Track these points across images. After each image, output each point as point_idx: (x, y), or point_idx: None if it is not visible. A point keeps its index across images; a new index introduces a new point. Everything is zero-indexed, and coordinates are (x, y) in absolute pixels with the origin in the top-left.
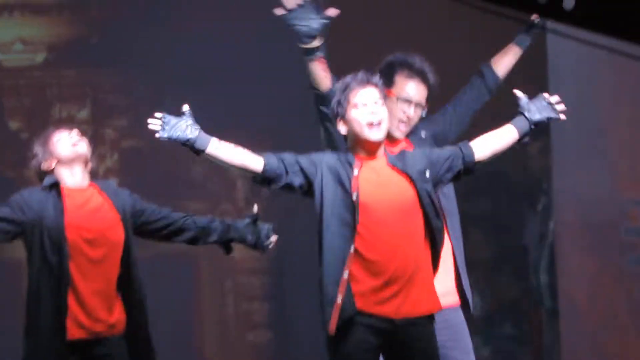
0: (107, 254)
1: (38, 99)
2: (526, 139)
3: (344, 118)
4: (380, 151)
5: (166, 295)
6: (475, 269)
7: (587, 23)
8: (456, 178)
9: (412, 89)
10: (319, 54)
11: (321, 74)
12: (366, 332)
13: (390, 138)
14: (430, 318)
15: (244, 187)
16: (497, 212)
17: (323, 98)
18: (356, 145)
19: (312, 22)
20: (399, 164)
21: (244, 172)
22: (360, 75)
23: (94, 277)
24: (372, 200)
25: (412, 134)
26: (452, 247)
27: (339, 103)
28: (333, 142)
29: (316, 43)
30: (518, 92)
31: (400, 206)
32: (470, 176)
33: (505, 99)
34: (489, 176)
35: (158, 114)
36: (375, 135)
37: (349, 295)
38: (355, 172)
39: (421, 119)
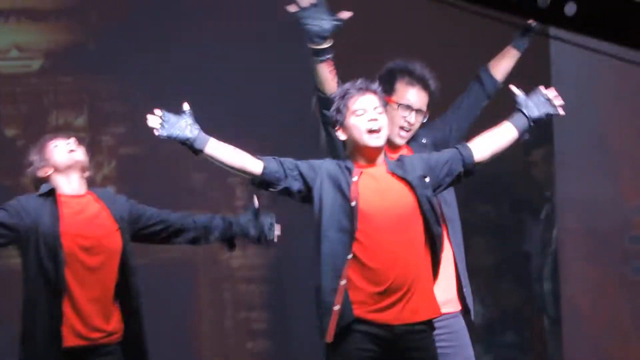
0: (104, 262)
1: (34, 106)
2: (525, 136)
3: (343, 125)
4: (380, 158)
5: (165, 304)
6: (478, 276)
7: (589, 29)
8: (456, 181)
9: (413, 96)
10: (328, 56)
11: (328, 76)
12: (364, 339)
13: (391, 145)
14: (429, 326)
15: (243, 195)
16: (499, 220)
17: (327, 101)
18: (355, 152)
19: (324, 22)
20: (399, 171)
21: (243, 174)
22: (359, 82)
23: (91, 285)
24: (372, 207)
25: (412, 141)
26: (453, 254)
27: (338, 110)
28: (334, 147)
29: (326, 44)
30: (514, 89)
31: (400, 213)
32: (471, 178)
33: (506, 101)
34: (492, 183)
35: (158, 112)
36: (375, 142)
37: (346, 303)
38: (355, 178)
39: (422, 126)
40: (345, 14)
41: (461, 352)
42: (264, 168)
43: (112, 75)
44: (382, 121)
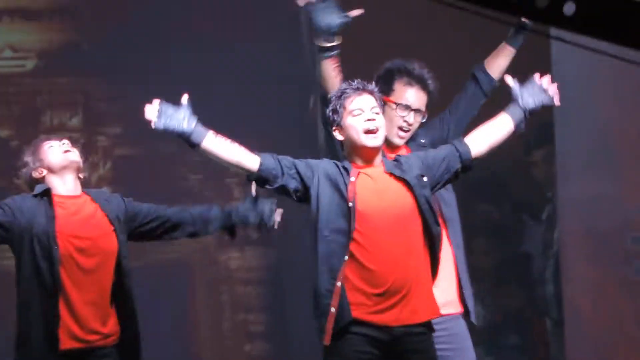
0: (100, 263)
1: (28, 106)
2: (522, 127)
3: (340, 125)
4: (378, 159)
5: (162, 306)
6: (479, 278)
7: (588, 29)
8: (454, 177)
9: (412, 96)
10: (333, 52)
11: (331, 73)
12: (362, 341)
13: (389, 145)
14: (428, 328)
15: (241, 196)
16: (500, 220)
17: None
18: (353, 152)
19: (333, 18)
20: (396, 171)
21: (239, 169)
22: (356, 82)
23: (87, 287)
24: (370, 208)
25: (411, 141)
26: (453, 255)
27: (335, 110)
28: (333, 147)
29: (332, 41)
30: (509, 80)
31: (398, 213)
32: (469, 173)
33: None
34: (493, 184)
35: (155, 102)
36: (372, 142)
37: (343, 304)
38: (352, 179)
39: (420, 126)
40: (355, 12)
41: (462, 354)
42: (261, 164)
43: (107, 75)
44: (380, 121)
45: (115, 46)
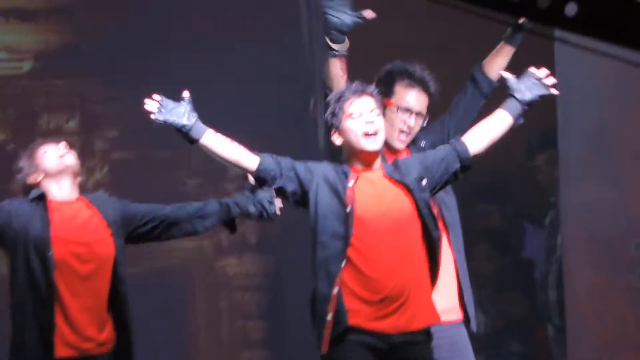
0: (96, 269)
1: (24, 109)
2: (520, 121)
3: (338, 129)
4: (377, 162)
5: (159, 313)
6: (481, 284)
7: (590, 30)
8: (454, 178)
9: (413, 98)
10: (342, 51)
11: (338, 72)
12: (360, 350)
13: (390, 149)
14: (427, 336)
15: None
16: (503, 226)
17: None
18: (352, 156)
19: (346, 16)
20: (395, 174)
21: (238, 168)
22: (355, 84)
23: (83, 293)
24: (368, 212)
25: (411, 144)
26: (454, 261)
27: (334, 114)
28: (334, 149)
29: (343, 39)
30: (504, 73)
31: (398, 218)
32: (469, 172)
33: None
34: (495, 188)
35: (156, 96)
36: (372, 145)
37: (340, 311)
38: (351, 183)
39: (421, 129)
40: (369, 13)
41: None
42: (260, 164)
43: (104, 78)
44: (379, 124)
45: (113, 48)
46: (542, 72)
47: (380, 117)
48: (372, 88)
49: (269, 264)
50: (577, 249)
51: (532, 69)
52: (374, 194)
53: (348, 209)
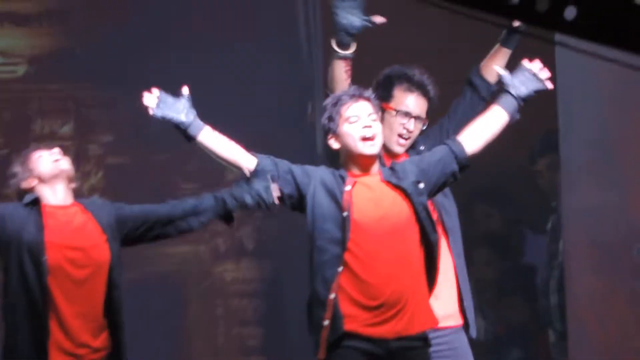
0: (91, 275)
1: (18, 113)
2: (517, 117)
3: (335, 133)
4: (375, 167)
5: (154, 320)
6: (482, 290)
7: (590, 34)
8: (452, 179)
9: (412, 102)
10: (348, 54)
11: (341, 75)
12: (357, 355)
13: (389, 153)
14: (425, 342)
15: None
16: (504, 231)
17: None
18: (349, 161)
19: (355, 19)
20: (393, 179)
21: (235, 168)
22: (352, 89)
23: (78, 299)
24: (366, 217)
25: (410, 148)
26: (454, 266)
27: (331, 118)
28: (333, 154)
29: (350, 41)
30: (498, 69)
31: (395, 222)
32: (467, 171)
33: None
34: (496, 192)
35: (155, 91)
36: (369, 149)
37: (337, 317)
38: (348, 187)
39: (420, 133)
40: (379, 19)
41: None
42: (257, 165)
43: (99, 82)
44: (377, 128)
45: (108, 52)
46: (536, 65)
47: (378, 122)
48: (369, 92)
49: (267, 269)
50: (579, 253)
51: (526, 63)
52: (371, 198)
53: (345, 214)
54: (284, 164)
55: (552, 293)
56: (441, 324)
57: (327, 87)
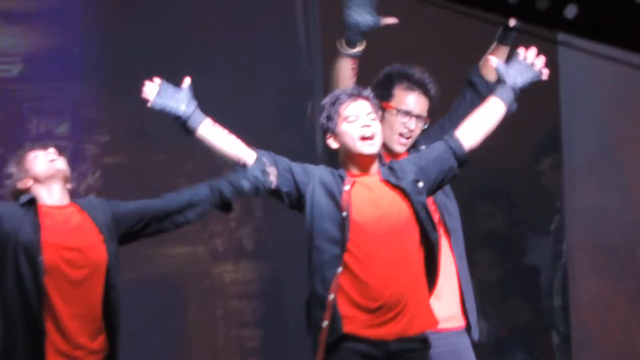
0: (89, 275)
1: (14, 113)
2: (514, 107)
3: (334, 133)
4: (374, 167)
5: (152, 321)
6: (485, 291)
7: (591, 32)
8: (451, 175)
9: (412, 101)
10: (355, 52)
11: (347, 74)
12: (356, 357)
13: (390, 153)
14: (425, 344)
15: (235, 207)
16: (507, 232)
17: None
18: (348, 160)
19: (366, 17)
20: (392, 179)
21: (234, 162)
22: (351, 88)
23: (75, 300)
24: (365, 217)
25: (411, 148)
26: (456, 268)
27: (329, 117)
28: (332, 152)
29: (358, 38)
30: (493, 59)
31: (394, 223)
32: (469, 171)
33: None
34: (499, 193)
35: (157, 80)
36: (368, 149)
37: (336, 318)
38: (347, 187)
39: (421, 132)
40: (390, 20)
41: None
42: (257, 160)
43: (96, 81)
44: (376, 128)
45: (105, 51)
46: (531, 54)
47: (377, 121)
48: (368, 91)
49: (266, 270)
50: (582, 254)
51: (521, 52)
52: (370, 199)
53: (344, 214)
54: (283, 161)
55: (555, 295)
56: (443, 326)
57: (331, 84)
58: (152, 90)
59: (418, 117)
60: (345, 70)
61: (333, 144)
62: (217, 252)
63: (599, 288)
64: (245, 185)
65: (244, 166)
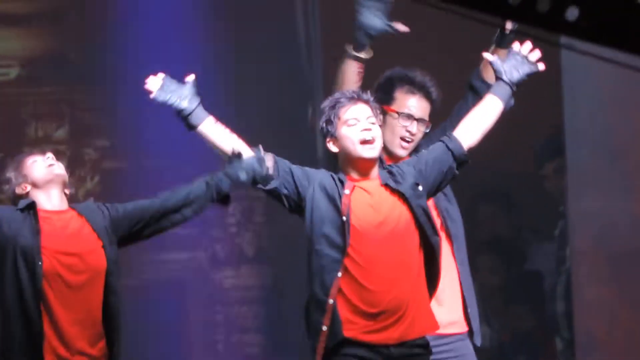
0: (88, 280)
1: (12, 117)
2: (511, 103)
3: (334, 136)
4: (374, 171)
5: (152, 326)
6: (488, 296)
7: (592, 35)
8: (451, 176)
9: (414, 105)
10: (362, 55)
11: (352, 77)
12: None
13: (392, 157)
14: (426, 349)
15: (236, 212)
16: (510, 237)
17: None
18: (348, 164)
19: (378, 21)
20: (391, 183)
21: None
22: (351, 91)
23: (74, 305)
24: (365, 223)
25: (413, 152)
26: (458, 274)
27: (329, 121)
28: (332, 156)
29: (367, 42)
30: (487, 55)
31: (394, 228)
32: (465, 166)
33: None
34: (502, 197)
35: (160, 75)
36: (369, 153)
37: (336, 323)
38: (347, 191)
39: (423, 136)
40: (401, 27)
41: None
42: (253, 150)
43: (95, 85)
44: (376, 131)
45: (104, 54)
46: (526, 47)
47: (377, 125)
48: (368, 95)
49: (267, 275)
50: (586, 259)
51: (515, 46)
52: (370, 204)
53: (344, 219)
54: (284, 163)
55: (559, 300)
56: (446, 331)
57: (335, 86)
58: (156, 84)
59: (419, 120)
60: (351, 74)
61: (333, 147)
62: (218, 257)
63: (603, 293)
64: (243, 176)
65: (238, 156)
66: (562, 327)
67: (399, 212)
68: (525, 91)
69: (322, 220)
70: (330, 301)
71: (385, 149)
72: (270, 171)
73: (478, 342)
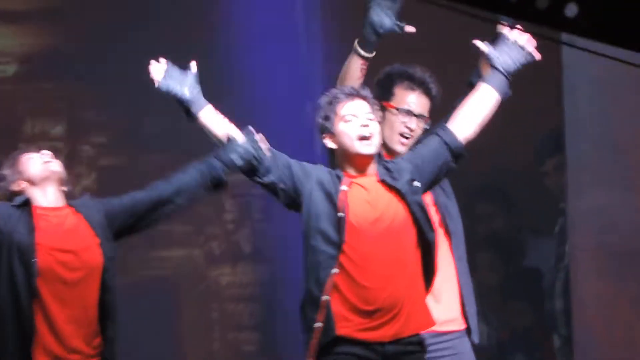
0: (84, 278)
1: (9, 114)
2: (508, 93)
3: (331, 132)
4: (372, 168)
5: (148, 325)
6: (485, 294)
7: (592, 32)
8: (447, 170)
9: (413, 101)
10: (368, 53)
11: (356, 74)
12: None
13: (391, 153)
14: (421, 345)
15: (232, 209)
16: (508, 234)
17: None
18: (345, 161)
19: (387, 19)
20: (388, 179)
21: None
22: (348, 87)
23: (70, 303)
24: (361, 219)
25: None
26: (456, 270)
27: (327, 117)
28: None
29: (375, 39)
30: (479, 44)
31: (391, 226)
32: (465, 162)
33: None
34: (501, 194)
35: (163, 61)
36: (366, 149)
37: (329, 320)
38: (344, 188)
39: (423, 132)
40: (410, 28)
41: None
42: (246, 134)
43: (92, 82)
44: (374, 128)
45: (101, 51)
46: (518, 34)
47: (375, 121)
48: (366, 91)
49: (263, 273)
50: (585, 256)
51: (506, 32)
52: (367, 200)
53: (340, 215)
54: (282, 157)
55: (557, 297)
56: (444, 328)
57: (338, 80)
58: (159, 70)
59: (419, 116)
60: (355, 69)
61: (330, 144)
62: (214, 255)
63: (602, 290)
64: (238, 160)
65: (233, 141)
66: (560, 325)
67: (395, 208)
68: (525, 87)
69: (319, 216)
70: (325, 297)
71: (384, 145)
72: (266, 152)
73: (476, 340)
